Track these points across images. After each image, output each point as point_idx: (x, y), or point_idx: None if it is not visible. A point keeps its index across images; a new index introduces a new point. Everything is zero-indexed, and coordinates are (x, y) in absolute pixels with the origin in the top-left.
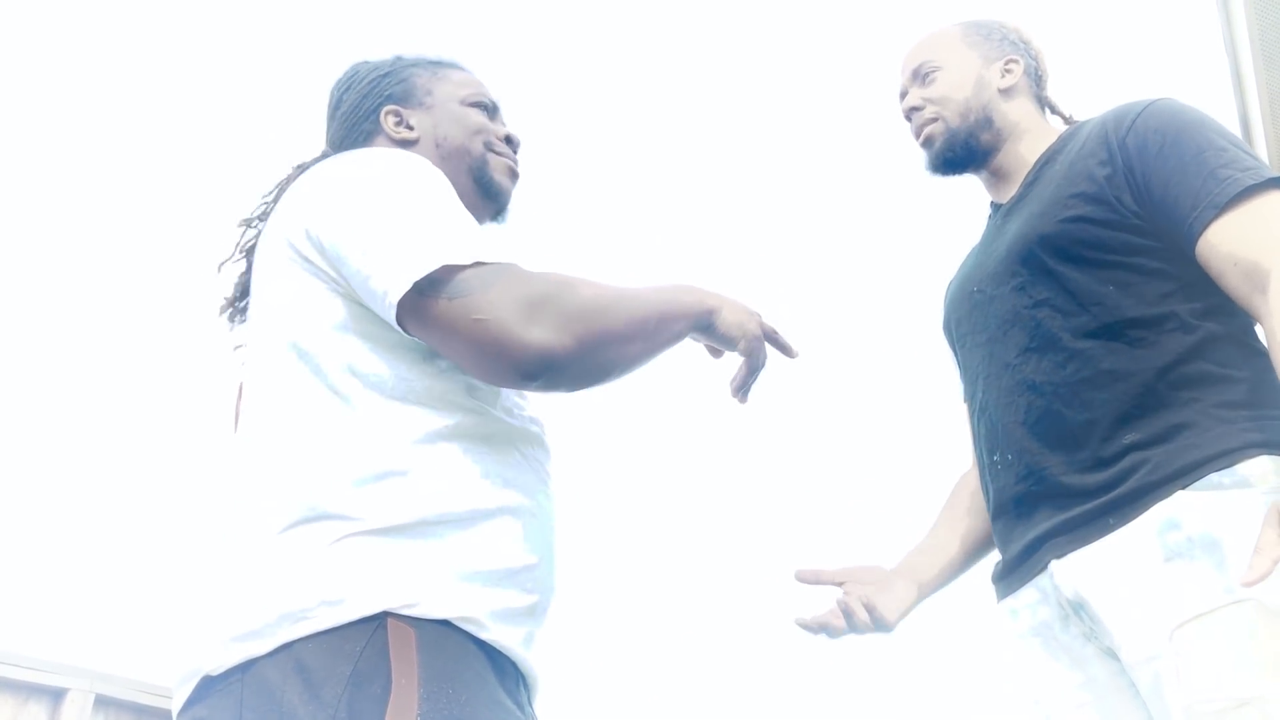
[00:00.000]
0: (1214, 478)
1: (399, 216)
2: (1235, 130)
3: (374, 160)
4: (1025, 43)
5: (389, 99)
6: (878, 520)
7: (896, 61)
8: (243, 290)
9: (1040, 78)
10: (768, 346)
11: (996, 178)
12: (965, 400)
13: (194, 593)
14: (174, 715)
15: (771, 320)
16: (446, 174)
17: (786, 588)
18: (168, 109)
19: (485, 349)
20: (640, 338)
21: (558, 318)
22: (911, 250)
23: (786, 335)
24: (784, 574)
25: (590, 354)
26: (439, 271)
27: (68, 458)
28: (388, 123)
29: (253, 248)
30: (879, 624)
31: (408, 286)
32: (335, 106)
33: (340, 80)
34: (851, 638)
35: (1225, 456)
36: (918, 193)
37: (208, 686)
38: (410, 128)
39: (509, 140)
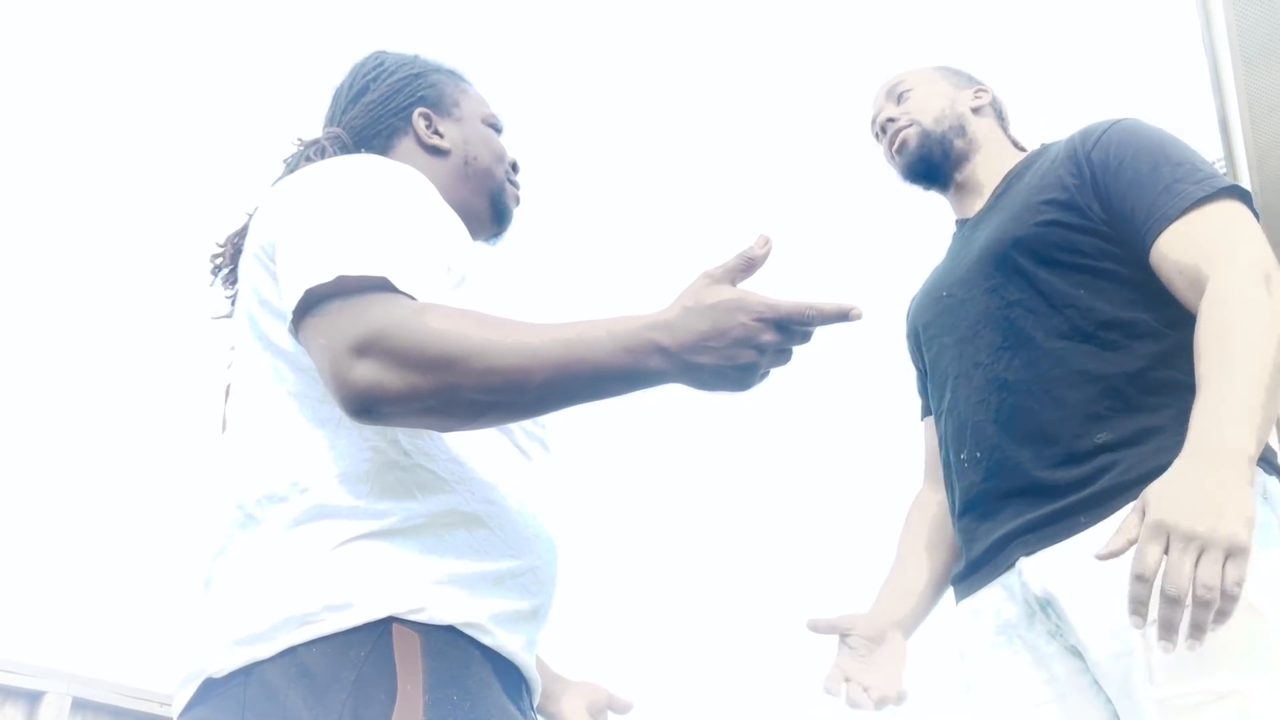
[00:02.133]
0: None
1: (308, 236)
2: (1214, 132)
3: (338, 173)
4: (989, 89)
5: (422, 100)
6: (868, 516)
7: (868, 100)
8: (234, 275)
9: (1003, 116)
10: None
11: (962, 192)
12: (931, 403)
13: (191, 594)
14: (175, 717)
15: (786, 302)
16: (465, 192)
17: (778, 584)
18: (165, 108)
19: (324, 375)
20: (511, 391)
21: (387, 357)
22: (906, 250)
23: (820, 305)
24: (778, 571)
25: (427, 399)
26: (308, 293)
27: (45, 461)
28: (419, 125)
29: (240, 246)
30: (885, 704)
31: (294, 305)
32: (360, 91)
33: (366, 65)
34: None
35: None
36: (902, 203)
37: (210, 689)
38: (440, 135)
39: (515, 167)
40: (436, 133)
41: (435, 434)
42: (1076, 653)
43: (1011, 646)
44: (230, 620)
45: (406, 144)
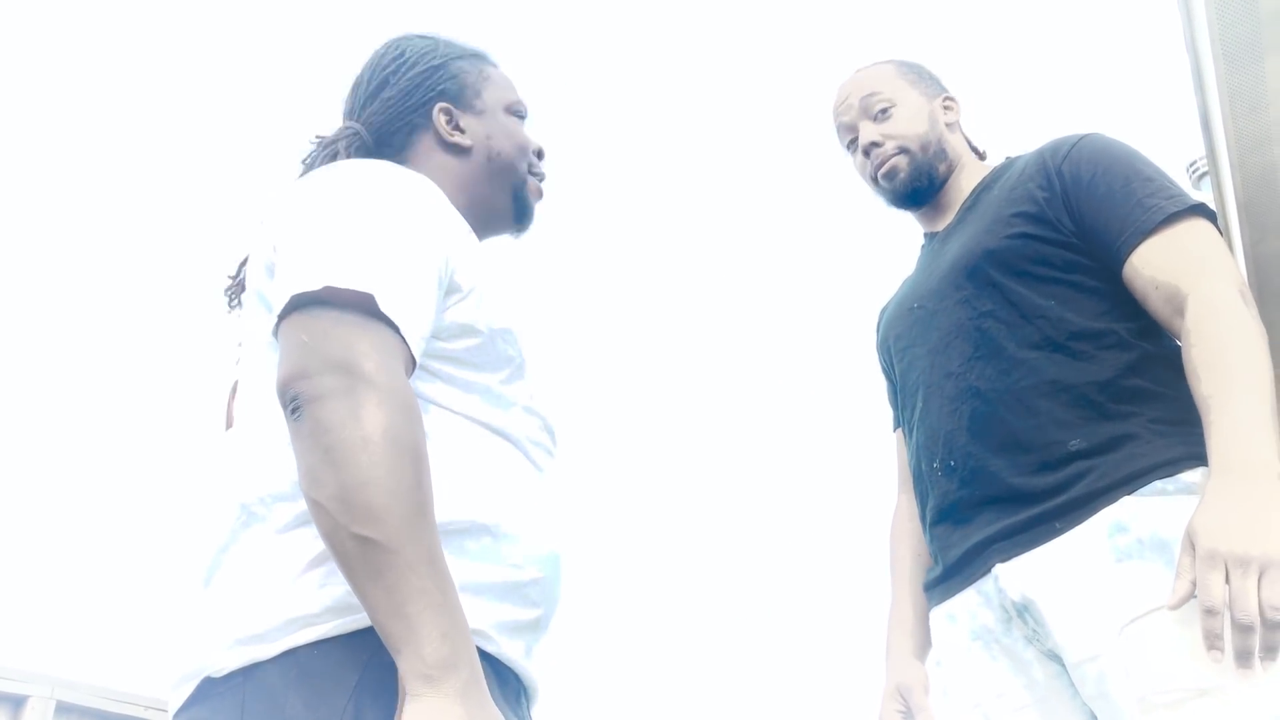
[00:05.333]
0: (1159, 484)
1: (305, 243)
2: (1196, 129)
3: (339, 183)
4: (956, 98)
5: (443, 94)
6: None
7: (832, 98)
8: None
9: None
10: None
11: (936, 209)
12: (902, 414)
13: (190, 592)
14: (171, 715)
15: None
16: (488, 189)
17: (778, 590)
18: (176, 110)
19: (285, 358)
20: (345, 511)
21: (344, 397)
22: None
23: None
24: (777, 576)
25: (324, 457)
26: (294, 298)
27: (29, 466)
28: (440, 121)
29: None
30: None
31: (280, 307)
32: (380, 86)
33: (385, 57)
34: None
35: (1170, 465)
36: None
37: (208, 689)
38: (462, 130)
39: (540, 155)
40: (458, 128)
41: (443, 440)
42: (1055, 657)
43: (989, 651)
44: (231, 619)
45: (427, 141)
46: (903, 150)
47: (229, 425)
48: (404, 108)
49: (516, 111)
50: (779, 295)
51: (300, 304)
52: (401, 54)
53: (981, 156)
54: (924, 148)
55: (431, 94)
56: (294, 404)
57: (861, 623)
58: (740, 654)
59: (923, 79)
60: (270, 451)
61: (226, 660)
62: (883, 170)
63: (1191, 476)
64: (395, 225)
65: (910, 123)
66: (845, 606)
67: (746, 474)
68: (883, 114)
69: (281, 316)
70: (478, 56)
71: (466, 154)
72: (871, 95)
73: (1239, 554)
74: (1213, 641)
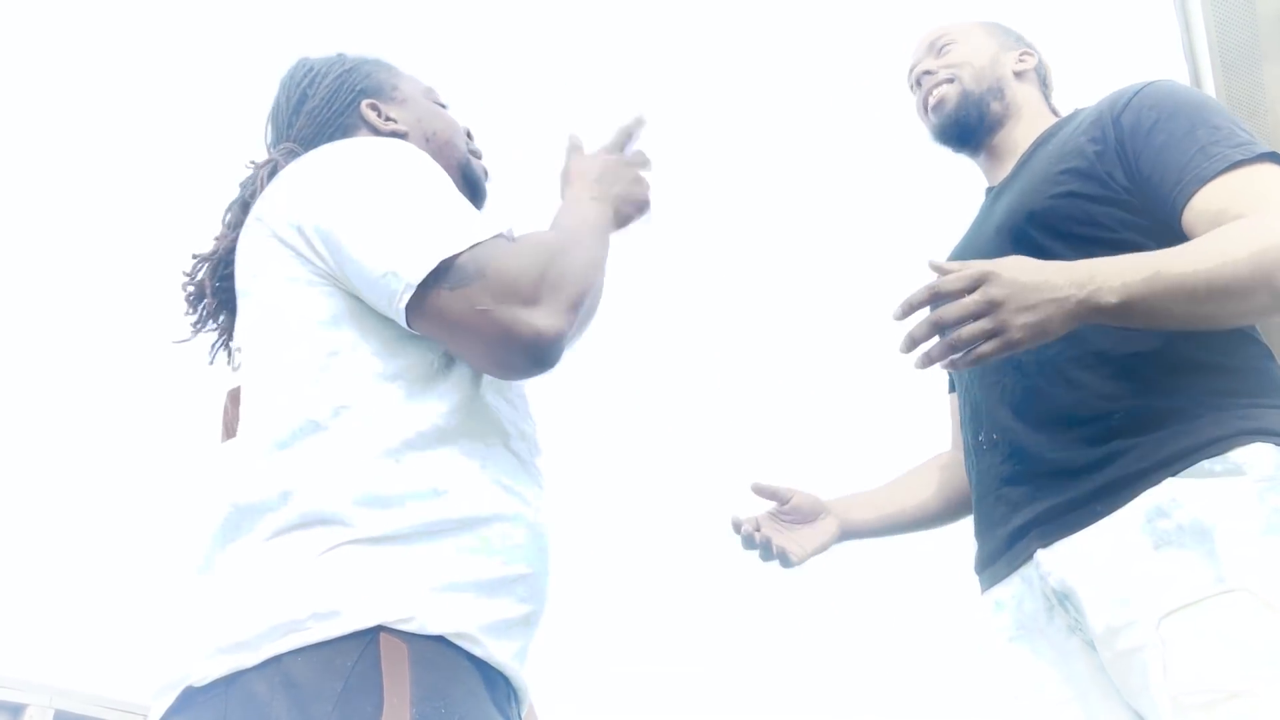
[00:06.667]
0: (1205, 465)
1: (395, 208)
2: None
3: (360, 149)
4: (1036, 53)
5: (363, 93)
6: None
7: (908, 50)
8: (205, 294)
9: (1047, 84)
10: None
11: (992, 158)
12: (954, 382)
13: (175, 600)
14: None
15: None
16: None
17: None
18: (166, 115)
19: (493, 340)
20: (601, 283)
21: (557, 296)
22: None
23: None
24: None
25: (582, 321)
26: (439, 265)
27: (27, 471)
28: (370, 115)
29: (226, 252)
30: (784, 562)
31: (413, 288)
32: (300, 101)
33: (295, 76)
34: (759, 561)
35: (1219, 443)
36: (913, 183)
37: (190, 698)
38: (393, 120)
39: (469, 135)
40: (388, 119)
41: (424, 436)
42: (1096, 647)
43: (1032, 642)
44: (214, 627)
45: (363, 137)
46: (953, 79)
47: (229, 433)
48: (331, 113)
49: (437, 100)
50: (785, 287)
51: (430, 282)
52: (310, 69)
53: (1058, 116)
54: (978, 79)
55: (353, 94)
56: (547, 366)
57: (857, 623)
58: (738, 652)
59: (1006, 34)
60: (256, 460)
61: (209, 669)
62: (931, 100)
63: (1241, 455)
64: (446, 181)
65: (968, 55)
66: (841, 607)
67: (741, 470)
68: (943, 49)
69: (411, 306)
70: (380, 62)
71: (404, 140)
72: (940, 38)
73: (1006, 280)
74: (909, 344)
